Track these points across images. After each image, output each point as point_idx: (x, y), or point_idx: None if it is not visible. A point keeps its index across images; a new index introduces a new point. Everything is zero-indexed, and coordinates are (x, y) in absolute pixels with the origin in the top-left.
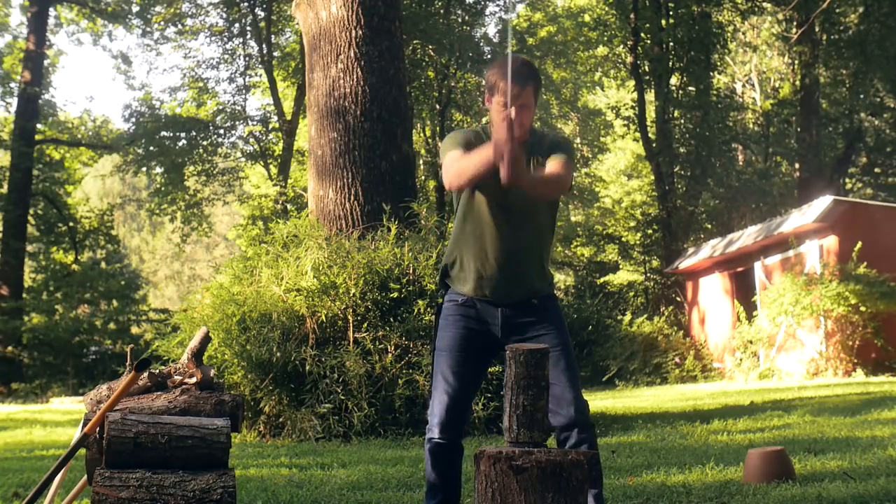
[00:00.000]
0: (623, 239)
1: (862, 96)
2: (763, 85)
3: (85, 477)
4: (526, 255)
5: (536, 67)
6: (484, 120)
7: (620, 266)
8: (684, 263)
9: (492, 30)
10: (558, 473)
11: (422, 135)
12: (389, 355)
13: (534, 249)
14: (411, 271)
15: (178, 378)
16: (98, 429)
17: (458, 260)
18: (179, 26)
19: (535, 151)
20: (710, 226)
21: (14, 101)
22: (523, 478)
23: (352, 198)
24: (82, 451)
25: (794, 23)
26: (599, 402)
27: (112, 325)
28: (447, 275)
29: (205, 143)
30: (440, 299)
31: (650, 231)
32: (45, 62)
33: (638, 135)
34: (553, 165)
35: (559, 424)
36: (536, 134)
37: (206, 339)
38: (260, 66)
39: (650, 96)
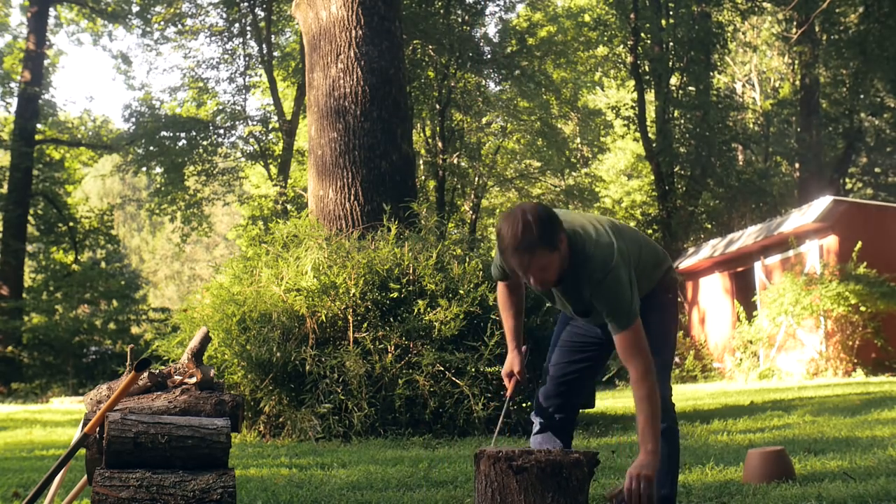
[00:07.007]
0: None
1: (862, 96)
2: (763, 85)
3: (85, 477)
4: None
5: (536, 230)
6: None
7: None
8: (684, 263)
9: (492, 30)
10: (558, 473)
11: (422, 135)
12: (389, 355)
13: None
14: (411, 271)
15: (178, 378)
16: (98, 429)
17: None
18: (179, 26)
19: (576, 288)
20: (710, 226)
21: (14, 101)
22: (523, 478)
23: (352, 198)
24: (82, 451)
25: (794, 23)
26: (599, 402)
27: (112, 325)
28: None
29: (205, 143)
30: None
31: (650, 231)
32: (45, 62)
33: (638, 135)
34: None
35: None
36: (577, 257)
37: (206, 339)
38: (260, 66)
39: (650, 96)
